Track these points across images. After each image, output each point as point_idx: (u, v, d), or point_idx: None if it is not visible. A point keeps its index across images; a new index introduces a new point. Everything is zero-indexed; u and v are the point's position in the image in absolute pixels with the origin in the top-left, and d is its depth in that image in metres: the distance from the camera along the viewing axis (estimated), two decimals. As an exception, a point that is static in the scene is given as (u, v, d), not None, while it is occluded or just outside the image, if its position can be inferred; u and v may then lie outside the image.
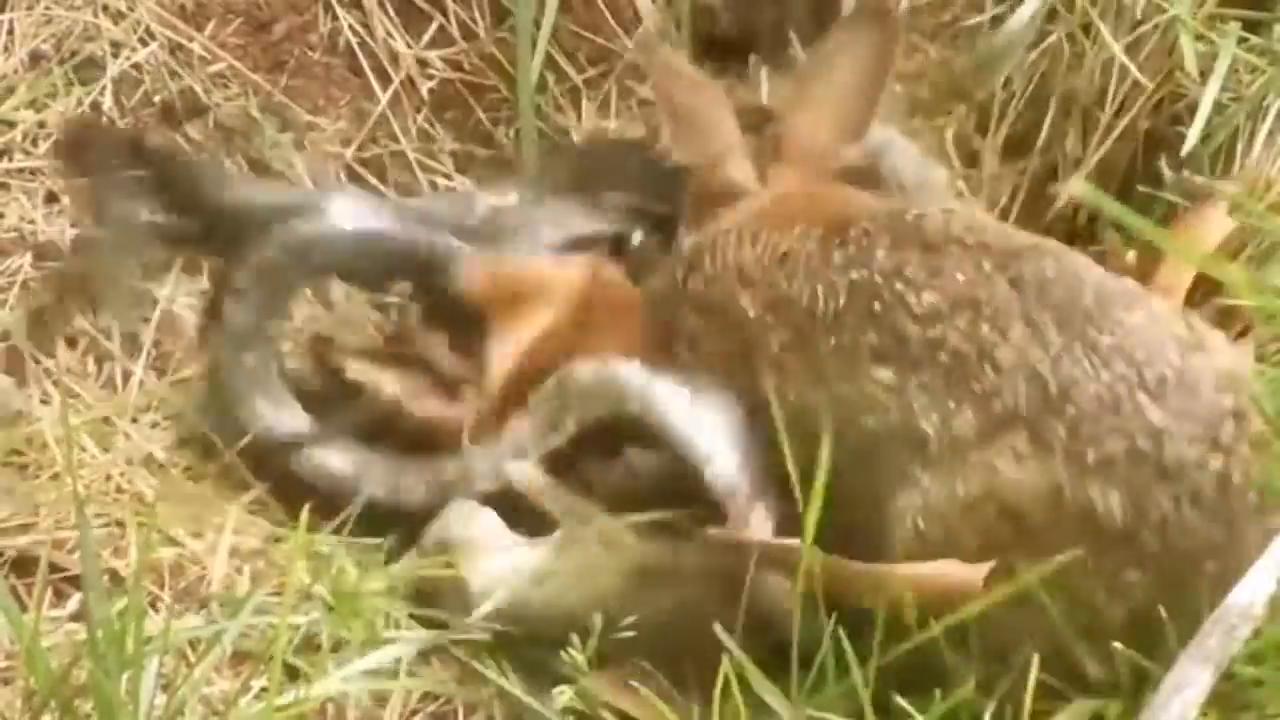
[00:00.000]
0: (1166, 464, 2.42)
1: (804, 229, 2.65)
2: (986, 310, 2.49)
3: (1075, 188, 3.16)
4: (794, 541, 2.44)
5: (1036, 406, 2.44)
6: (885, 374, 2.52)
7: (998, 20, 3.32)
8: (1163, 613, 2.42)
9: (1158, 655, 2.41)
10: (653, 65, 2.86)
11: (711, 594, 2.59)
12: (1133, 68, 3.21)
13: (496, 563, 2.71)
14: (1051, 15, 3.27)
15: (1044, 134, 3.27)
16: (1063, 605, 2.42)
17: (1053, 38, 3.26)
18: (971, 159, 3.32)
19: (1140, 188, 3.14)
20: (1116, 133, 3.23)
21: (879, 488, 2.52)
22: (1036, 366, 2.45)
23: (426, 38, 3.37)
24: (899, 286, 2.54)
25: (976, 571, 2.40)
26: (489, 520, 2.77)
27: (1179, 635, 2.39)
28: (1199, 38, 3.18)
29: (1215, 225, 2.99)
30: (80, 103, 3.18)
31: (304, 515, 2.67)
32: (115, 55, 3.22)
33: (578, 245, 3.00)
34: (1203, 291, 2.89)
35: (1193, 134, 3.11)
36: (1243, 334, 2.93)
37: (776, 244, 2.66)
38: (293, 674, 2.52)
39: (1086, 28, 3.23)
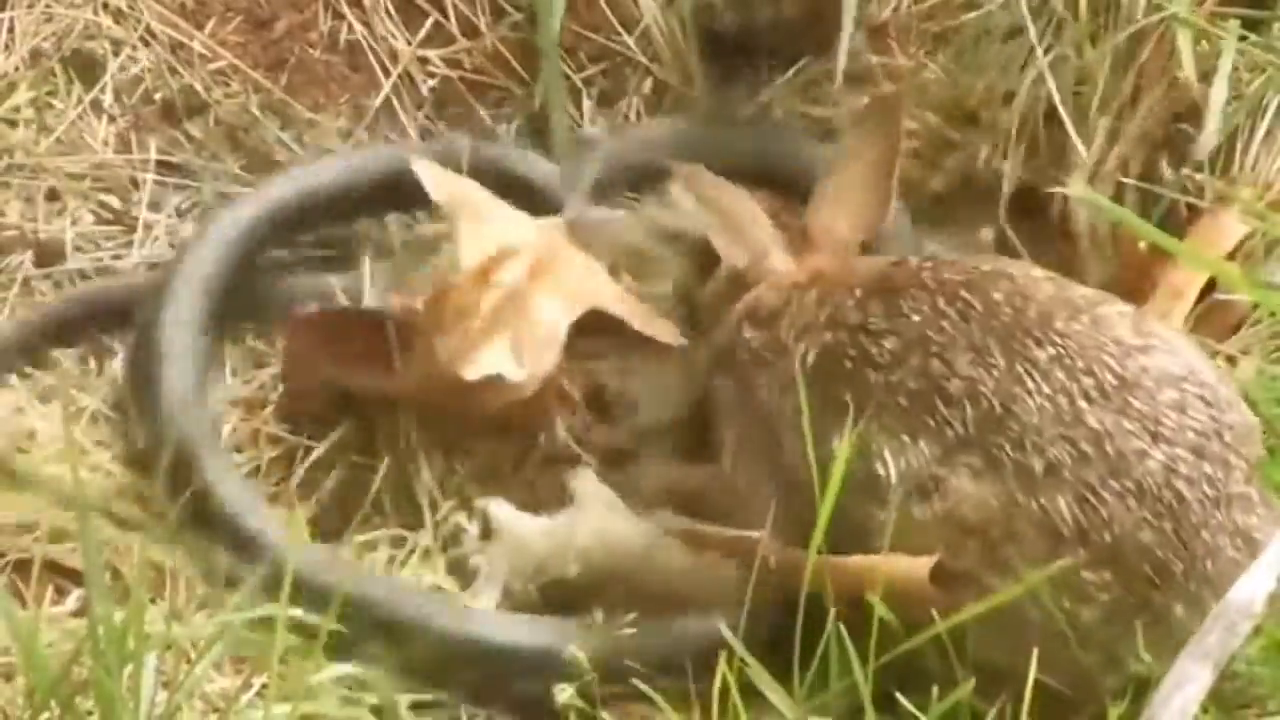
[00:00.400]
0: (1111, 462, 2.53)
1: (799, 294, 2.83)
2: (935, 346, 2.64)
3: (1074, 190, 3.17)
4: (753, 533, 2.62)
5: (984, 428, 2.58)
6: (853, 427, 2.62)
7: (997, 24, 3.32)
8: (1131, 611, 2.52)
9: (1130, 655, 2.51)
10: (698, 183, 3.02)
11: None
12: (1131, 68, 3.21)
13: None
14: (1052, 15, 3.27)
15: (1043, 135, 3.27)
16: (1037, 614, 2.51)
17: (1052, 37, 3.26)
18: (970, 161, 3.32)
19: (1140, 186, 3.15)
20: (1117, 132, 3.23)
21: (846, 540, 2.61)
22: (981, 390, 2.59)
23: (424, 34, 3.37)
24: (863, 339, 2.70)
25: (920, 564, 2.53)
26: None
27: (1148, 631, 2.50)
28: (1198, 37, 3.19)
29: (1229, 231, 3.03)
30: (80, 101, 3.19)
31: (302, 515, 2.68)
32: (116, 53, 3.22)
33: None
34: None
35: (1206, 134, 3.12)
36: (1236, 328, 2.96)
37: (776, 309, 2.84)
38: (303, 646, 2.51)
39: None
